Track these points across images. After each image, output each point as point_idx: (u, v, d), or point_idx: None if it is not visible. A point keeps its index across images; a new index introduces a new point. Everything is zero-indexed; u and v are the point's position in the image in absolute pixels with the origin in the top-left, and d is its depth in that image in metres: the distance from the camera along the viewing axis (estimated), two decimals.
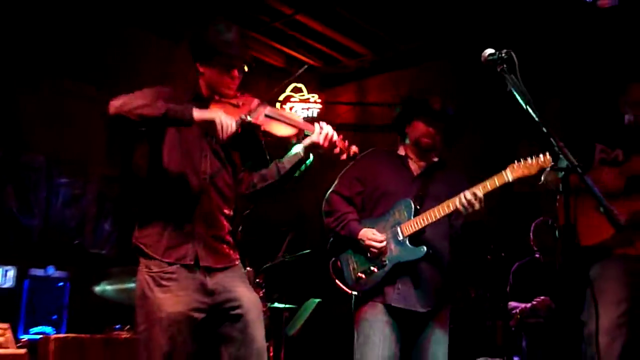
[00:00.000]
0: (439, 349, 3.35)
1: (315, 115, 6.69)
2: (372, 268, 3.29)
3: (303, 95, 6.75)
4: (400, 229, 3.25)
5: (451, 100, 3.59)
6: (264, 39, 6.51)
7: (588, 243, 3.47)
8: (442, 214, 3.16)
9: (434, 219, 3.17)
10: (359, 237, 3.31)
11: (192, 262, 2.78)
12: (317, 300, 4.62)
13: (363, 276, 3.31)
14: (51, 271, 4.84)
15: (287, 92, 6.80)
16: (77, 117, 5.56)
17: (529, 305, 4.58)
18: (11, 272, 4.75)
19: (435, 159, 3.56)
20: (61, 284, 4.80)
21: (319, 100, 6.75)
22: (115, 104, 2.72)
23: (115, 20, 5.80)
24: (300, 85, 6.74)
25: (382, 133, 6.03)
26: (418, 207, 3.28)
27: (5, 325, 3.74)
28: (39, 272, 4.79)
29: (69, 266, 5.02)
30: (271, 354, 3.64)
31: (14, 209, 5.10)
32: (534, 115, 2.40)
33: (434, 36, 6.30)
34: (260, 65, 6.56)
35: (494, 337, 4.75)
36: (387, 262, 3.26)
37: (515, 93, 2.42)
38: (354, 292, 3.37)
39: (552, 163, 2.77)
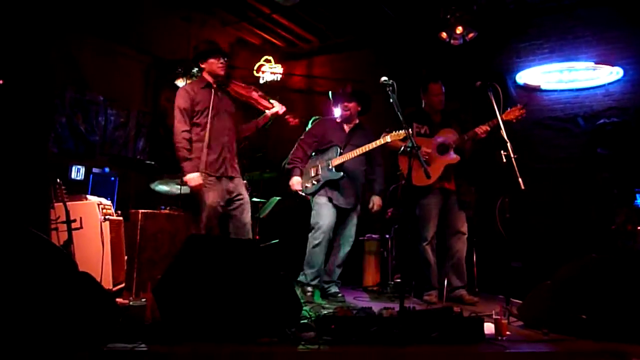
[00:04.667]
0: (353, 227, 3.99)
1: (278, 79, 6.66)
2: (313, 182, 3.93)
3: (272, 65, 6.73)
4: (331, 162, 3.86)
5: (357, 86, 4.01)
6: (249, 27, 6.59)
7: (418, 184, 3.80)
8: (352, 157, 3.77)
9: (347, 159, 3.79)
10: (290, 183, 3.92)
11: (224, 174, 3.33)
12: (278, 198, 4.84)
13: (309, 185, 3.94)
14: (107, 170, 5.06)
15: (261, 61, 6.71)
16: (123, 70, 5.69)
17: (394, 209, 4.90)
18: (82, 170, 4.98)
19: (357, 122, 3.99)
20: (113, 178, 4.93)
21: (281, 70, 6.71)
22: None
23: (145, 5, 5.84)
24: (270, 57, 6.73)
25: (323, 96, 5.97)
26: (341, 151, 3.87)
27: (109, 202, 3.89)
28: (98, 170, 5.01)
29: (118, 167, 5.21)
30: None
31: (83, 129, 5.22)
32: (400, 117, 2.92)
33: (360, 33, 6.48)
34: (246, 43, 6.90)
35: (377, 224, 5.03)
36: (321, 179, 3.88)
37: (394, 102, 2.92)
38: (303, 194, 3.95)
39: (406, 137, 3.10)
